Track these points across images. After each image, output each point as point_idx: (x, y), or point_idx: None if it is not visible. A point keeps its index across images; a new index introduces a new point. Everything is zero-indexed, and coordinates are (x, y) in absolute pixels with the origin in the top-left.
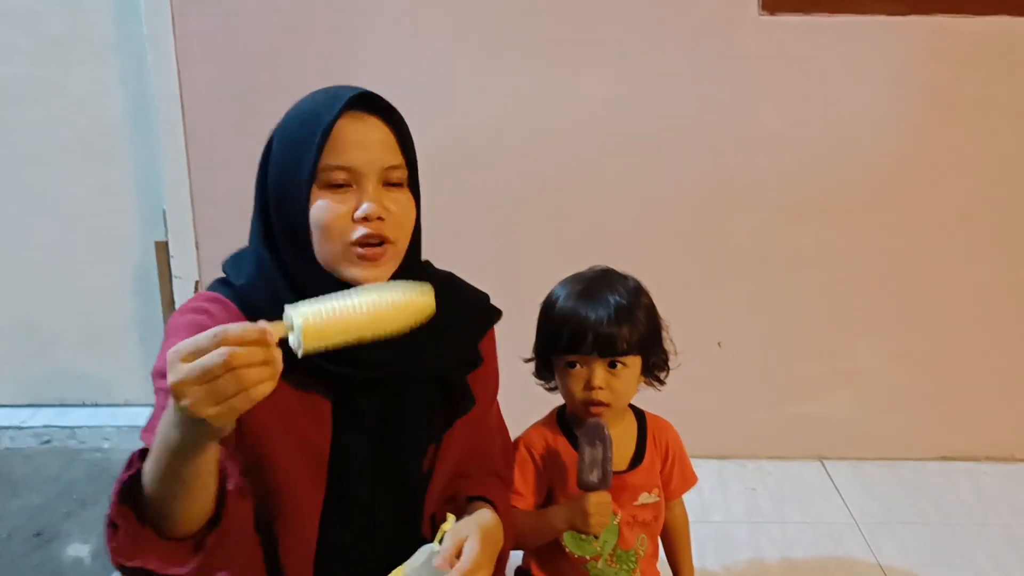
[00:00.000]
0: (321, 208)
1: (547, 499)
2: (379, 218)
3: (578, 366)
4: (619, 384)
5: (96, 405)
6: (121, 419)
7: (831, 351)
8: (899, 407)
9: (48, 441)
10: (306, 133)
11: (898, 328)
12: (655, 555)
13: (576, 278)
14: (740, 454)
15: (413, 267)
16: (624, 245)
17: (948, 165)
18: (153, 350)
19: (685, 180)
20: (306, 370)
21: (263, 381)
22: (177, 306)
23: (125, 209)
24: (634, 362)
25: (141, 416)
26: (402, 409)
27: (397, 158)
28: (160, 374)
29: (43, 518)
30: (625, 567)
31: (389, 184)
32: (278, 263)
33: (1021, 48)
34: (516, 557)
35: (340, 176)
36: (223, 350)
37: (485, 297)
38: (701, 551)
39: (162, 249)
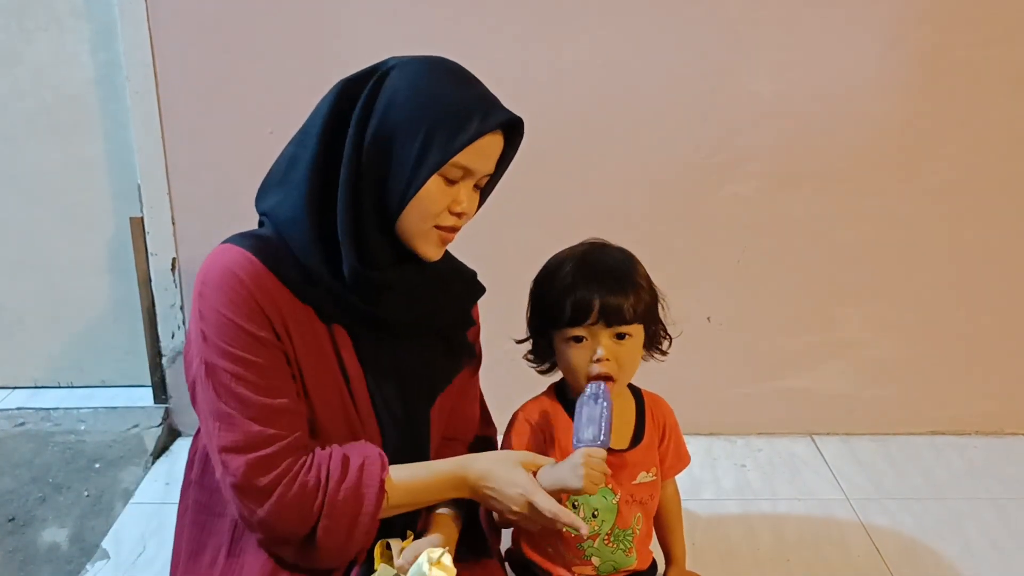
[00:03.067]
0: (433, 193)
1: None
2: (466, 214)
3: (584, 339)
4: (625, 355)
5: (71, 386)
6: (96, 400)
7: (821, 323)
8: (889, 380)
9: (22, 424)
10: (450, 126)
11: (888, 299)
12: (649, 535)
13: (568, 253)
14: (729, 431)
15: None
16: (609, 218)
17: (941, 131)
18: (129, 329)
19: (672, 149)
20: (334, 305)
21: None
22: (154, 284)
23: (96, 184)
24: (638, 332)
25: (117, 397)
26: (416, 354)
27: (492, 168)
28: (218, 352)
29: (16, 503)
30: (622, 546)
31: (477, 186)
32: (357, 214)
33: (1015, 10)
34: (506, 537)
35: (458, 175)
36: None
37: (473, 272)
38: (692, 529)
39: (137, 225)
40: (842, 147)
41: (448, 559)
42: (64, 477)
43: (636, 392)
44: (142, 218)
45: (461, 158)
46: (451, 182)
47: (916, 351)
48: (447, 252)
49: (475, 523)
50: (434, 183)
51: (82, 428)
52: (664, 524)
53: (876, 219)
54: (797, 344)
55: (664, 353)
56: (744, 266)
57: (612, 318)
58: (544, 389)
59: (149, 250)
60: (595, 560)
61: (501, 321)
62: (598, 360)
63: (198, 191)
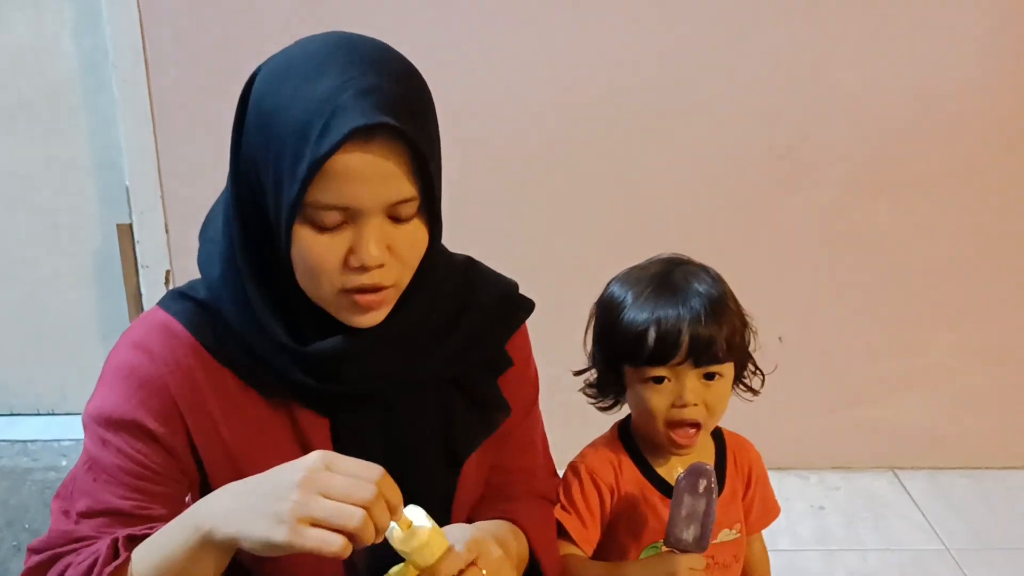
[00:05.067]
0: (306, 248)
1: (604, 539)
2: (380, 265)
3: (666, 380)
4: (715, 399)
5: (52, 414)
6: (80, 431)
7: (907, 347)
8: (981, 410)
9: None
10: (288, 148)
11: (982, 321)
12: None
13: (641, 273)
14: (802, 465)
15: (428, 268)
16: (667, 227)
17: None
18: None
19: (741, 150)
20: (289, 387)
21: (364, 542)
22: (144, 299)
23: (80, 187)
24: (729, 371)
25: None
26: (405, 423)
27: (408, 190)
28: (99, 420)
29: None
30: None
31: (396, 219)
32: (253, 269)
33: None
34: None
35: (332, 218)
36: (373, 487)
37: (513, 286)
38: None
39: (125, 233)
40: (935, 150)
41: (415, 512)
42: (43, 521)
43: (716, 433)
44: (131, 225)
45: (319, 194)
46: (327, 228)
47: (1012, 377)
48: (472, 265)
49: None
50: (304, 235)
51: (63, 464)
52: None
53: (972, 232)
54: (879, 369)
55: (755, 392)
56: (821, 282)
57: (703, 356)
58: (606, 431)
59: (140, 261)
60: None
61: (542, 343)
62: (683, 406)
63: (195, 195)
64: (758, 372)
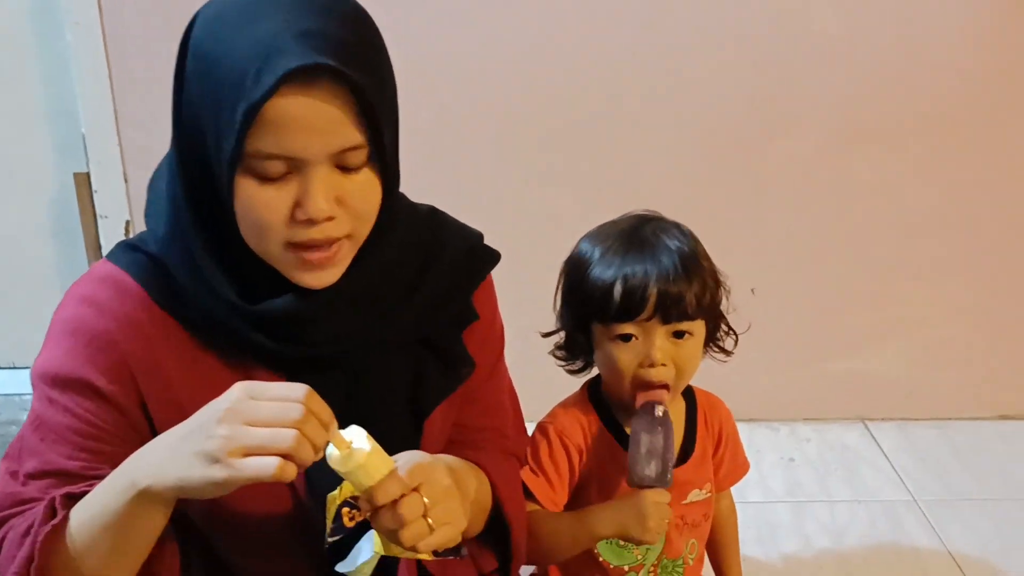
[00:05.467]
0: (249, 201)
1: (575, 501)
2: (329, 218)
3: (634, 338)
4: (683, 359)
5: (12, 367)
6: None
7: (881, 300)
8: (952, 362)
9: None
10: (226, 96)
11: (956, 272)
12: (702, 560)
13: (611, 228)
14: (773, 416)
15: (386, 221)
16: (642, 176)
17: None
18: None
19: (716, 98)
20: (245, 347)
21: (303, 462)
22: (104, 251)
23: (34, 135)
24: (699, 329)
25: None
26: (371, 386)
27: (354, 137)
28: (46, 379)
29: None
30: None
31: (344, 168)
32: (199, 224)
33: None
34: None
35: (275, 168)
36: (300, 407)
37: (478, 236)
38: (741, 539)
39: (83, 182)
40: (916, 99)
41: (356, 433)
42: None
43: (688, 392)
44: (88, 174)
45: (259, 143)
46: (271, 179)
47: (985, 329)
48: (435, 215)
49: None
50: (247, 187)
51: (25, 418)
52: (718, 543)
53: (951, 185)
54: (852, 321)
55: (728, 353)
56: (795, 233)
57: (671, 312)
58: (575, 392)
59: (98, 212)
60: None
61: (514, 307)
62: (651, 365)
63: (153, 142)
64: (731, 332)
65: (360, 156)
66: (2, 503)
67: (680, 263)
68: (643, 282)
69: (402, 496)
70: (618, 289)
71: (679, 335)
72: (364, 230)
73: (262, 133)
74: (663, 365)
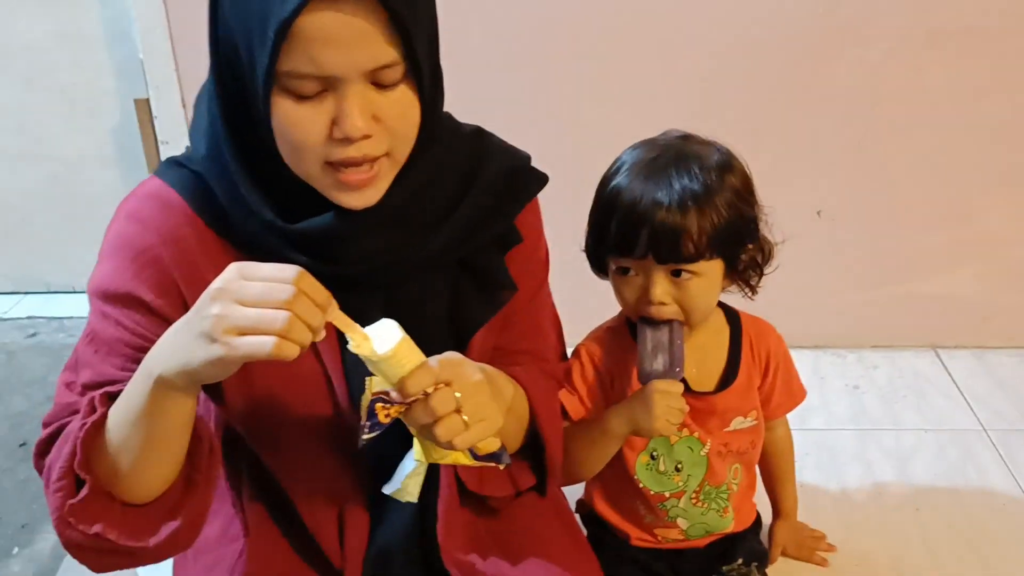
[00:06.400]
0: (286, 119)
1: None
2: (366, 136)
3: (632, 272)
4: (689, 297)
5: (85, 291)
6: None
7: (957, 217)
8: None
9: (34, 334)
10: (256, 13)
11: None
12: (752, 487)
13: (645, 150)
14: (840, 343)
15: (427, 140)
16: (699, 93)
17: None
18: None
19: (777, 4)
20: (278, 262)
21: (298, 343)
22: None
23: (93, 61)
24: (709, 269)
25: None
26: (410, 306)
27: (388, 54)
28: (98, 293)
29: (29, 426)
30: (715, 506)
31: (380, 85)
32: (237, 145)
33: None
34: (578, 490)
35: (309, 87)
36: (290, 287)
37: (525, 158)
38: (800, 467)
39: (143, 108)
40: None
41: (388, 325)
42: None
43: (733, 317)
44: (148, 100)
45: (292, 62)
46: (306, 98)
47: None
48: (481, 136)
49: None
50: (283, 106)
51: None
52: (771, 472)
53: None
54: (925, 242)
55: (754, 291)
56: (865, 149)
57: (665, 253)
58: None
59: (159, 137)
60: (681, 522)
61: (561, 228)
62: (650, 303)
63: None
64: (759, 269)
65: (395, 73)
66: (59, 412)
67: (683, 200)
68: (639, 218)
69: (435, 388)
70: (614, 222)
71: (678, 274)
72: (403, 149)
73: (294, 51)
74: (663, 304)
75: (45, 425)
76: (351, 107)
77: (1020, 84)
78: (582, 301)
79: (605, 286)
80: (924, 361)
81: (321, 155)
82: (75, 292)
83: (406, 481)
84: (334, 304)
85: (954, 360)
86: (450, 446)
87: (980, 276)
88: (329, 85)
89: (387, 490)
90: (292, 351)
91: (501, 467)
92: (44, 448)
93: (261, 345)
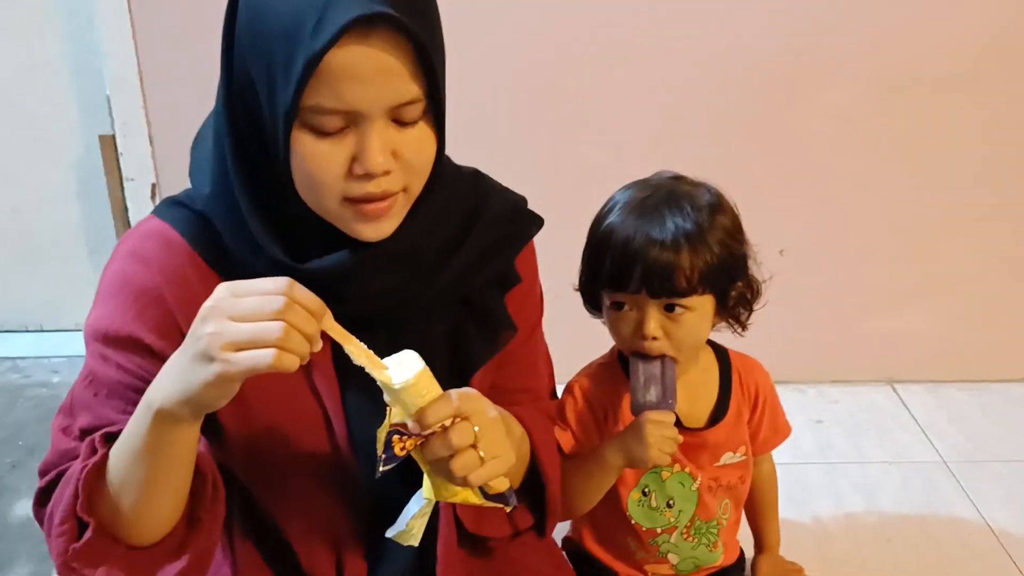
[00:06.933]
0: (306, 156)
1: None
2: (386, 172)
3: (626, 307)
4: (681, 332)
5: (41, 330)
6: (72, 347)
7: (910, 257)
8: (985, 320)
9: None
10: (283, 46)
11: (994, 228)
12: (737, 522)
13: (638, 186)
14: (799, 378)
15: (435, 177)
16: (667, 131)
17: None
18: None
19: (751, 49)
20: None
21: (297, 353)
22: (131, 214)
23: (58, 94)
24: (701, 304)
25: None
26: (413, 345)
27: (412, 90)
28: (98, 336)
29: None
30: (705, 540)
31: (400, 122)
32: (248, 182)
33: None
34: (564, 527)
35: (330, 123)
36: (281, 298)
37: (522, 201)
38: None
39: (108, 144)
40: (957, 50)
41: (408, 356)
42: (39, 438)
43: (721, 353)
44: (113, 136)
45: (317, 97)
46: (327, 134)
47: (1021, 288)
48: (479, 178)
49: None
50: (304, 142)
51: (56, 380)
52: (756, 506)
53: (998, 133)
54: (883, 280)
55: (744, 327)
56: (826, 189)
57: (658, 288)
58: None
59: (124, 174)
60: (672, 557)
61: (550, 269)
62: (643, 338)
63: (180, 103)
64: (750, 305)
65: (417, 110)
66: (58, 459)
67: (676, 238)
68: (633, 253)
69: (453, 422)
70: (609, 257)
71: (671, 309)
72: (418, 184)
73: (320, 86)
74: (655, 339)
75: (42, 473)
76: (373, 144)
77: (978, 131)
78: (573, 340)
79: (595, 325)
80: (881, 395)
81: (340, 191)
82: (27, 332)
83: (411, 523)
84: (328, 313)
85: (910, 394)
86: (464, 482)
87: (935, 313)
88: (351, 121)
89: (390, 533)
90: (292, 362)
91: (508, 509)
92: (43, 497)
93: (260, 358)
